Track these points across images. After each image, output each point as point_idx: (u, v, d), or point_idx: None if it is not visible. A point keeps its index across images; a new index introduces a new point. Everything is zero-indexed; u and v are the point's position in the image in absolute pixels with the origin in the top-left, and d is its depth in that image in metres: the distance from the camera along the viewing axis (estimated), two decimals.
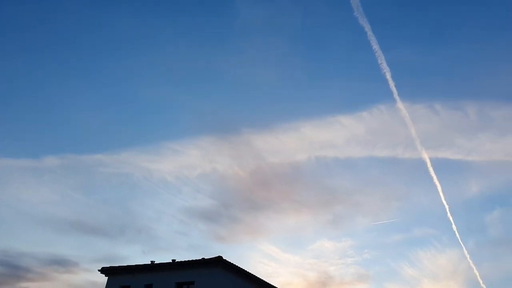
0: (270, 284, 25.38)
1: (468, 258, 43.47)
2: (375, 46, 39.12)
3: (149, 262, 23.91)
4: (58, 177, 52.51)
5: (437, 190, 40.43)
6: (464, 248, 47.34)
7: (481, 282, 41.47)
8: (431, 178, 40.59)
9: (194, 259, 22.33)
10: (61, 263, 44.90)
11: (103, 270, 24.94)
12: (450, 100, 53.48)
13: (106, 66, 61.00)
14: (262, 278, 24.66)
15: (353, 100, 63.23)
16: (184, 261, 22.59)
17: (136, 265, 24.11)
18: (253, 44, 60.34)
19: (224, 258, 21.65)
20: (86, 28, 59.15)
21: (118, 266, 24.68)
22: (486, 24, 55.55)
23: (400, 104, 41.69)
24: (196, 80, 62.09)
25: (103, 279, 25.08)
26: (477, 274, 41.84)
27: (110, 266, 24.83)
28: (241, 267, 22.92)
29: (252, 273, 23.83)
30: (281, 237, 59.63)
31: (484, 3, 53.80)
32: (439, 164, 52.15)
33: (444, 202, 40.61)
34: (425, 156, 41.18)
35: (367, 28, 38.74)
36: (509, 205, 53.54)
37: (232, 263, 22.24)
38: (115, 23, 59.77)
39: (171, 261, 23.18)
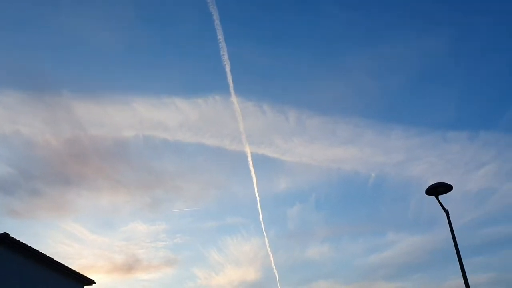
0: (64, 265, 21.25)
1: (268, 247, 48.32)
2: (220, 36, 38.09)
3: None
4: None
5: (253, 182, 43.66)
6: (266, 237, 52.96)
7: (274, 267, 46.77)
8: (249, 171, 43.62)
9: None
10: None
11: None
12: (277, 103, 58.59)
13: None
14: (57, 260, 20.38)
15: (192, 85, 61.66)
16: None
17: None
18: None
19: (12, 236, 16.72)
20: None
21: None
22: (323, 39, 62.00)
23: (233, 98, 42.73)
24: (15, 24, 47.63)
25: None
26: (272, 261, 47.14)
27: None
28: (33, 247, 18.23)
29: (45, 253, 19.36)
30: (91, 217, 53.85)
31: (330, 15, 59.57)
32: (258, 160, 56.74)
33: (257, 194, 44.25)
34: (248, 150, 43.73)
35: (216, 16, 37.40)
36: (306, 202, 62.75)
37: (22, 242, 17.35)
38: None
39: None
